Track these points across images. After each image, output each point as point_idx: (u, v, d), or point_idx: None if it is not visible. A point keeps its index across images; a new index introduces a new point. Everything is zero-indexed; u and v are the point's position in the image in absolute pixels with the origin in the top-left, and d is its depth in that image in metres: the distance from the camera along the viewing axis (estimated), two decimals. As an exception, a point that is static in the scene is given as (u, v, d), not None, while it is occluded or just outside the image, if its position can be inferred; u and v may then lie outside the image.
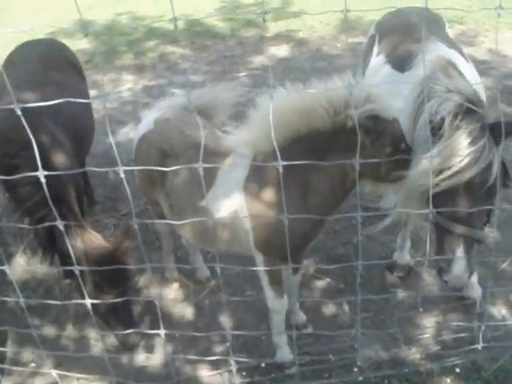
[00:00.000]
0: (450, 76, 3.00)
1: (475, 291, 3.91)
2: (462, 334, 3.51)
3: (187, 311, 4.08)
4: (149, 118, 3.70)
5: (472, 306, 3.87)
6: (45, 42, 5.01)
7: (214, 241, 3.17)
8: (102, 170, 2.46)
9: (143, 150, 3.52)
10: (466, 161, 2.66)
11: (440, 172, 2.70)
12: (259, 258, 3.17)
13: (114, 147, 2.10)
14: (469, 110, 2.70)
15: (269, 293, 3.30)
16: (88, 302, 2.55)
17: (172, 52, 8.40)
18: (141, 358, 3.75)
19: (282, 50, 8.17)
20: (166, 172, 3.23)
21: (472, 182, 2.70)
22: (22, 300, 2.56)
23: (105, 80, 7.45)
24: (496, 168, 2.72)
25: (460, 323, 3.60)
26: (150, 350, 3.80)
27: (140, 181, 3.69)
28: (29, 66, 4.31)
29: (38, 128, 3.60)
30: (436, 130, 2.71)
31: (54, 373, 2.97)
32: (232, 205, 3.06)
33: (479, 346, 2.70)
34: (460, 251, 2.83)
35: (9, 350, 3.75)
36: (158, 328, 2.67)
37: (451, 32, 4.24)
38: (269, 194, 2.95)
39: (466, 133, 2.66)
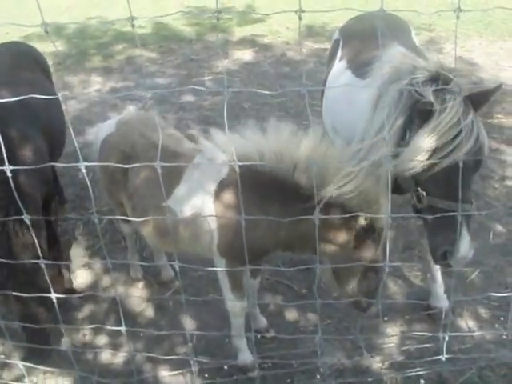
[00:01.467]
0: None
1: (442, 301, 3.86)
2: (428, 345, 3.51)
3: (151, 311, 4.17)
4: (110, 121, 3.83)
5: (438, 316, 3.83)
6: (13, 45, 5.12)
7: (175, 241, 3.22)
8: (64, 165, 2.55)
9: (105, 152, 3.60)
10: (463, 135, 2.60)
11: (434, 151, 2.64)
12: (220, 260, 3.23)
13: (76, 144, 2.23)
14: (444, 82, 2.69)
15: (228, 295, 3.34)
16: (53, 296, 2.58)
17: (139, 55, 8.50)
18: (105, 354, 3.83)
19: (246, 55, 8.32)
20: (128, 173, 3.37)
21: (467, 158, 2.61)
22: None
23: (75, 81, 7.58)
24: (486, 139, 2.72)
25: (425, 333, 3.47)
26: (114, 347, 3.87)
27: (104, 182, 3.77)
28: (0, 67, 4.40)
29: (7, 124, 3.74)
30: (422, 111, 2.66)
31: (21, 365, 3.07)
32: (198, 206, 3.11)
33: (443, 357, 2.64)
34: (464, 229, 2.77)
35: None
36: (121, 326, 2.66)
37: (419, 39, 4.22)
38: (235, 199, 2.99)
39: (455, 107, 2.61)
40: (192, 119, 6.30)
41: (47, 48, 6.84)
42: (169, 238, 3.26)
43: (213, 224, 3.08)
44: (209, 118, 6.36)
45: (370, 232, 2.89)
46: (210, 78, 7.52)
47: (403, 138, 2.81)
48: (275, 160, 2.91)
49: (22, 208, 2.40)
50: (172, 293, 4.30)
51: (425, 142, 2.64)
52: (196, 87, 2.24)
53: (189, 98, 6.91)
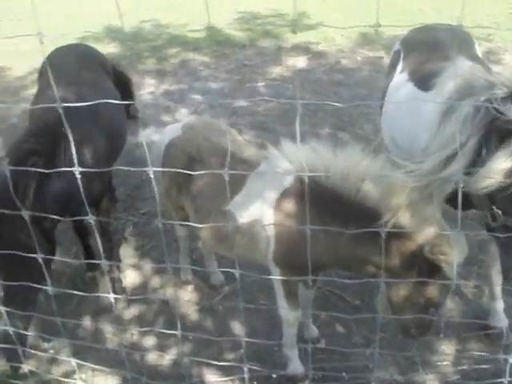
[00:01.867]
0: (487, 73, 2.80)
1: (502, 321, 3.72)
2: (485, 366, 3.36)
3: (200, 314, 4.15)
4: (175, 125, 3.88)
5: (497, 336, 3.69)
6: (77, 46, 5.19)
7: (232, 246, 3.22)
8: (133, 169, 2.54)
9: (170, 154, 3.64)
10: None
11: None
12: (275, 269, 3.21)
13: (146, 149, 2.22)
14: None
15: (282, 304, 3.32)
16: (111, 296, 2.60)
17: (193, 59, 8.56)
18: (153, 356, 3.82)
19: (300, 62, 8.28)
20: (192, 176, 3.32)
21: None
22: (50, 288, 2.69)
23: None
24: None
25: (484, 353, 3.38)
26: (163, 349, 3.86)
27: (166, 185, 3.78)
28: (65, 68, 4.42)
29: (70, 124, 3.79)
30: (502, 130, 2.52)
31: (74, 361, 3.04)
32: (257, 213, 3.11)
33: (505, 381, 2.45)
34: None
35: (30, 335, 3.86)
36: (171, 328, 2.71)
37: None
38: (297, 210, 2.99)
39: None
40: (245, 124, 6.27)
41: (102, 50, 6.87)
42: (226, 242, 3.27)
43: (270, 232, 3.07)
44: (262, 123, 6.33)
45: (435, 269, 2.77)
46: (263, 84, 7.49)
47: (478, 154, 2.67)
48: (341, 176, 2.87)
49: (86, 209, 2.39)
50: (222, 297, 4.26)
51: (504, 162, 2.50)
52: (268, 99, 2.18)
53: (242, 103, 6.89)
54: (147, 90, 7.53)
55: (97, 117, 4.02)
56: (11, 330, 3.03)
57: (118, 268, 4.44)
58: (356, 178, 2.85)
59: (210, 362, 2.99)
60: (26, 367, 3.33)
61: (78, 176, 2.19)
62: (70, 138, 2.19)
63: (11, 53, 9.28)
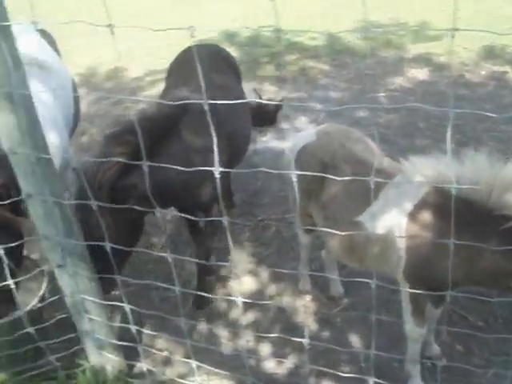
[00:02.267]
0: None
1: None
2: None
3: (318, 325, 4.11)
4: (308, 131, 3.86)
5: None
6: (210, 47, 5.19)
7: (362, 257, 3.22)
8: (272, 171, 2.51)
9: (303, 160, 3.61)
10: None
11: None
12: (404, 284, 3.14)
13: (288, 152, 2.17)
14: None
15: (408, 319, 3.26)
16: (240, 300, 2.67)
17: (312, 67, 8.53)
18: (269, 363, 3.83)
19: (421, 73, 8.10)
20: (323, 183, 3.36)
21: None
22: (177, 288, 2.78)
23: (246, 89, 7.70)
24: None
25: None
26: (281, 356, 3.85)
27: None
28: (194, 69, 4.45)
29: (190, 128, 3.82)
30: None
31: (194, 363, 3.10)
32: (390, 225, 3.05)
33: None
34: None
35: (145, 336, 3.94)
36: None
37: None
38: (431, 222, 2.91)
39: None
40: (367, 135, 6.15)
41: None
42: (356, 253, 3.26)
43: (402, 246, 3.00)
44: (383, 135, 6.21)
45: None
46: (384, 94, 7.37)
47: None
48: (486, 187, 2.75)
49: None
50: (340, 309, 4.21)
51: None
52: (420, 105, 2.07)
53: (363, 113, 6.81)
54: (266, 96, 7.53)
55: (220, 119, 4.01)
56: (134, 327, 3.09)
57: (234, 274, 4.48)
58: (500, 187, 2.72)
59: (330, 371, 2.92)
60: (144, 366, 3.40)
61: (218, 176, 2.22)
62: (214, 137, 2.23)
63: (126, 55, 9.60)
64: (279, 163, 5.83)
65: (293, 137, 4.06)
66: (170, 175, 3.32)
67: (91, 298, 3.23)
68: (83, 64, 9.15)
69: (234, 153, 4.28)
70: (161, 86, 7.82)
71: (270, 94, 7.63)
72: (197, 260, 3.89)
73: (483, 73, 8.01)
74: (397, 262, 3.08)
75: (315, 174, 2.67)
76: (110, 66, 9.32)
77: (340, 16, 10.37)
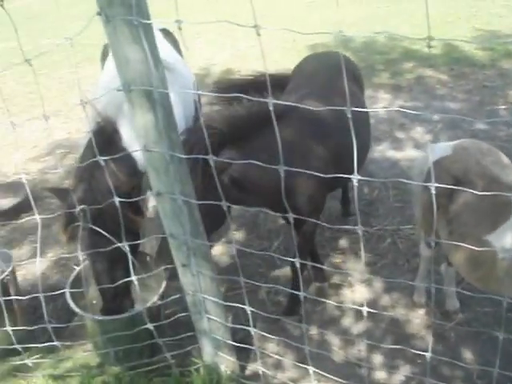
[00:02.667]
0: None
1: None
2: None
3: (430, 338, 4.00)
4: (445, 144, 3.78)
5: None
6: (332, 55, 5.15)
7: (487, 277, 3.15)
8: (409, 181, 2.51)
9: (436, 173, 3.55)
10: None
11: None
12: None
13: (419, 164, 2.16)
14: None
15: None
16: (365, 309, 2.63)
17: (429, 76, 8.38)
18: (380, 374, 3.80)
19: (546, 87, 7.79)
20: (452, 198, 3.31)
21: None
22: (302, 294, 2.82)
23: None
24: None
25: None
26: (392, 367, 3.84)
27: (424, 204, 3.69)
28: (317, 77, 4.43)
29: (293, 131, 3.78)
30: None
31: (311, 369, 3.12)
32: None
33: None
34: None
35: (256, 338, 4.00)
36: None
37: None
38: None
39: None
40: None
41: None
42: (480, 271, 3.19)
43: None
44: (503, 149, 5.98)
45: None
46: (504, 107, 7.15)
47: None
48: None
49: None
50: (455, 324, 4.12)
51: None
52: None
53: (482, 126, 6.64)
54: (381, 104, 7.51)
55: (326, 128, 3.98)
56: (253, 330, 3.16)
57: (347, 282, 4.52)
58: None
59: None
60: (259, 368, 3.46)
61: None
62: (277, 134, 2.29)
63: (239, 56, 9.76)
64: (395, 173, 5.83)
65: (427, 148, 4.00)
66: (255, 171, 3.36)
67: (212, 298, 3.27)
68: (196, 64, 9.39)
69: (344, 163, 4.21)
70: (274, 89, 8.02)
71: (385, 101, 7.59)
72: (310, 263, 3.93)
73: None
74: None
75: (451, 187, 2.58)
76: (224, 66, 9.54)
77: (457, 24, 10.17)
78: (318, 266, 4.31)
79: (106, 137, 3.67)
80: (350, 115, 2.07)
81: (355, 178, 2.16)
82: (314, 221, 3.32)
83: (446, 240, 3.40)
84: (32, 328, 3.67)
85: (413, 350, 2.99)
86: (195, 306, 3.36)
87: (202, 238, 3.07)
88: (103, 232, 3.40)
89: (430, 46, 1.77)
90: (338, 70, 4.50)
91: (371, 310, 2.68)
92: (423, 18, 9.57)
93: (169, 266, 3.59)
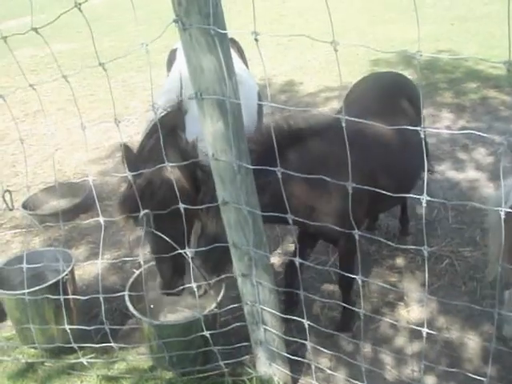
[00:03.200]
0: None
1: None
2: None
3: (485, 362, 3.97)
4: None
5: None
6: (391, 75, 5.20)
7: None
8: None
9: None
10: None
11: None
12: None
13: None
14: None
15: None
16: (425, 330, 2.64)
17: (493, 97, 8.28)
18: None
19: None
20: None
21: None
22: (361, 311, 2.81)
23: (424, 114, 7.64)
24: None
25: None
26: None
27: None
28: (371, 96, 4.43)
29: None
30: None
31: None
32: None
33: None
34: None
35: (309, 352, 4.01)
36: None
37: None
38: None
39: None
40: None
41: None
42: None
43: None
44: None
45: None
46: None
47: None
48: None
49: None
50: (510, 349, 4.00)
51: None
52: None
53: (547, 151, 6.53)
54: (444, 123, 7.46)
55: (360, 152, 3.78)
56: (309, 344, 3.20)
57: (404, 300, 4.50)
58: None
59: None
60: (312, 382, 3.49)
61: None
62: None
63: (300, 68, 9.80)
64: (455, 193, 5.79)
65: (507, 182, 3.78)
66: (290, 187, 3.35)
67: (270, 310, 3.29)
68: (257, 74, 9.47)
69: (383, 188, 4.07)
70: (334, 104, 8.05)
71: (447, 121, 7.53)
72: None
73: None
74: None
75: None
76: (285, 78, 9.61)
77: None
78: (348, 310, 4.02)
79: (170, 126, 3.70)
80: (422, 135, 2.14)
81: (424, 198, 2.20)
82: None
83: None
84: (89, 328, 3.77)
85: (469, 374, 2.96)
86: (252, 316, 3.39)
87: (265, 249, 3.09)
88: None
89: (509, 70, 1.80)
90: (393, 91, 4.54)
91: (430, 331, 2.68)
92: (487, 36, 9.46)
93: (225, 276, 3.66)
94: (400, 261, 5.05)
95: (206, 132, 2.68)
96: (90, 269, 5.13)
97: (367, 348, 4.19)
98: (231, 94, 2.53)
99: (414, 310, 4.52)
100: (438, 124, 7.38)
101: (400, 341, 4.25)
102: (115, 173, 6.46)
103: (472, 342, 4.18)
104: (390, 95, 4.50)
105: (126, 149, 3.63)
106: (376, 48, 2.13)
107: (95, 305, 4.39)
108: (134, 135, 7.72)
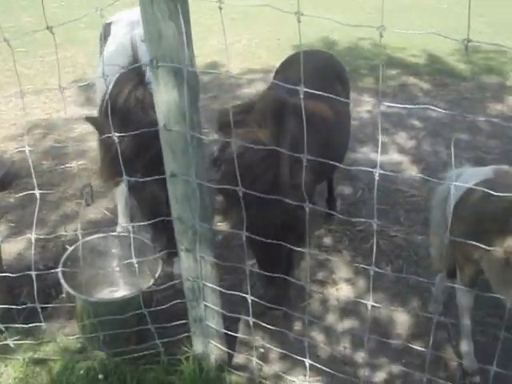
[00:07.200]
0: None
1: None
2: None
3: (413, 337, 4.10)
4: (483, 169, 3.60)
5: None
6: (321, 55, 5.27)
7: None
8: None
9: (480, 198, 3.25)
10: None
11: None
12: None
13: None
14: None
15: None
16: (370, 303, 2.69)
17: (413, 84, 8.52)
18: (366, 371, 3.82)
19: (523, 103, 7.96)
20: (509, 224, 3.06)
21: None
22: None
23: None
24: None
25: None
26: (376, 365, 3.88)
27: (459, 231, 3.33)
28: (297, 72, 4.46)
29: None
30: None
31: (307, 362, 3.13)
32: None
33: None
34: None
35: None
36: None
37: None
38: None
39: None
40: (466, 158, 6.14)
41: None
42: None
43: None
44: (482, 160, 6.17)
45: None
46: (483, 119, 7.30)
47: None
48: None
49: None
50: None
51: None
52: None
53: (463, 135, 6.79)
54: (365, 108, 7.61)
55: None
56: (252, 319, 3.18)
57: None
58: None
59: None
60: (251, 359, 3.49)
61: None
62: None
63: (223, 51, 9.76)
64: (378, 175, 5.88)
65: (450, 174, 3.70)
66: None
67: (212, 285, 3.24)
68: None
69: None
70: (258, 86, 8.05)
71: (369, 106, 7.68)
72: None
73: None
74: None
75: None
76: (207, 59, 9.51)
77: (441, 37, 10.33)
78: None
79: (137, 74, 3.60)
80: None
81: (377, 171, 2.23)
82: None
83: (497, 273, 3.21)
84: (18, 307, 3.69)
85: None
86: (193, 293, 3.32)
87: (210, 222, 3.05)
88: None
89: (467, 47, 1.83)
90: (322, 69, 4.58)
91: (376, 305, 2.77)
92: (406, 26, 9.65)
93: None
94: (327, 240, 5.11)
95: (159, 101, 2.61)
96: (9, 248, 4.89)
97: (298, 326, 4.21)
98: (189, 63, 2.48)
99: (342, 289, 4.59)
100: (359, 108, 7.51)
101: (330, 318, 4.31)
102: (34, 149, 6.22)
103: (400, 318, 4.30)
104: (321, 72, 4.55)
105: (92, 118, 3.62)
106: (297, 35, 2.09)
107: (16, 285, 4.23)
108: (54, 112, 7.47)
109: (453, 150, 2.49)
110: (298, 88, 2.29)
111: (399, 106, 2.30)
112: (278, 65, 5.07)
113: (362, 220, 2.44)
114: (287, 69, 4.67)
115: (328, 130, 4.13)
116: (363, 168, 2.53)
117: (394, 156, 6.49)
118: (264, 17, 11.71)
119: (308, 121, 2.49)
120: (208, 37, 10.34)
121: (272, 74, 5.04)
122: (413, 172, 6.12)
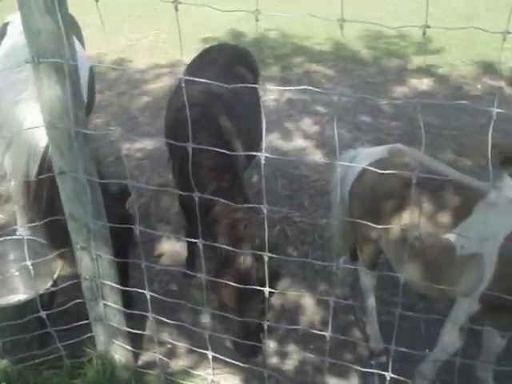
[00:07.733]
0: None
1: None
2: None
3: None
4: (377, 148, 3.65)
5: None
6: (231, 47, 5.41)
7: (440, 278, 3.03)
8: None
9: (376, 177, 3.27)
10: None
11: None
12: (475, 305, 2.96)
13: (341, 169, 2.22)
14: None
15: (453, 333, 3.13)
16: (267, 289, 2.72)
17: (317, 71, 8.64)
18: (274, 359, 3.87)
19: (423, 84, 8.22)
20: (405, 200, 3.12)
21: None
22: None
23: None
24: None
25: None
26: (285, 352, 3.93)
27: (356, 212, 3.48)
28: (214, 66, 4.58)
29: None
30: None
31: (210, 354, 3.08)
32: (480, 247, 2.86)
33: None
34: None
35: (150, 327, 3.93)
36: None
37: None
38: None
39: None
40: (368, 140, 6.29)
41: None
42: (440, 276, 3.07)
43: (490, 269, 2.85)
44: (384, 141, 6.30)
45: None
46: (385, 102, 7.49)
47: None
48: None
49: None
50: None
51: None
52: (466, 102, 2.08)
53: (365, 118, 6.96)
54: (271, 96, 7.66)
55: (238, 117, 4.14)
56: (151, 315, 3.12)
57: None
58: None
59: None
60: (156, 356, 3.44)
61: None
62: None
63: (131, 47, 9.66)
64: (284, 162, 5.96)
65: (351, 152, 3.79)
66: None
67: (110, 283, 3.18)
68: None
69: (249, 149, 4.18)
70: (165, 80, 8.01)
71: (274, 94, 7.75)
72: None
73: (479, 86, 8.15)
74: (474, 283, 2.93)
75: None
76: (115, 56, 9.39)
77: (345, 24, 10.51)
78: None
79: None
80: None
81: (263, 155, 2.24)
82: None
83: (396, 250, 3.28)
84: None
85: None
86: (91, 292, 3.24)
87: (103, 219, 2.99)
88: None
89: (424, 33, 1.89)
90: (233, 59, 4.74)
91: (272, 290, 2.76)
92: (313, 20, 9.80)
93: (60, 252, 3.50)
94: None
95: (42, 98, 2.55)
96: None
97: (206, 319, 4.22)
98: (70, 57, 2.43)
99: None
100: (266, 97, 7.56)
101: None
102: None
103: (308, 303, 4.36)
104: (232, 64, 4.73)
105: None
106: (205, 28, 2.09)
107: None
108: None
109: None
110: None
111: (326, 92, 2.33)
112: (184, 59, 5.08)
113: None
114: (202, 63, 4.82)
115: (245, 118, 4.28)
116: (253, 153, 2.59)
117: (299, 142, 6.58)
118: (170, 13, 11.60)
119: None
120: (116, 33, 10.23)
121: (179, 69, 5.01)
122: (316, 157, 6.21)
